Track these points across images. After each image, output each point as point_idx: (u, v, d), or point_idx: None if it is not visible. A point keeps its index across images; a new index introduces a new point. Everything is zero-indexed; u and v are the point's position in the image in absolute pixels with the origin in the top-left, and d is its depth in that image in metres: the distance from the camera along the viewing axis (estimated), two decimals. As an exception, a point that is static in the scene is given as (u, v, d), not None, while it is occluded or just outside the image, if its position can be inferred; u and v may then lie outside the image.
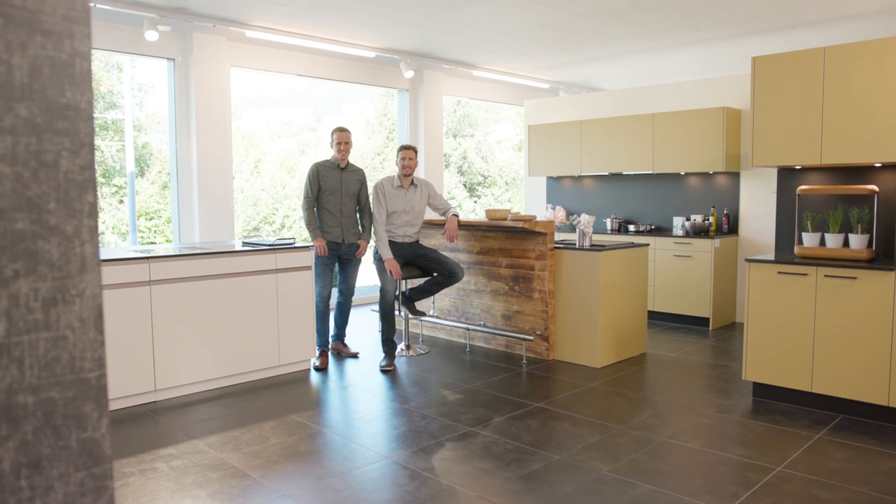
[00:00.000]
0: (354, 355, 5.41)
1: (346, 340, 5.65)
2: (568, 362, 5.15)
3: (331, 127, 5.29)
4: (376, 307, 5.35)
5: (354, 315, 6.54)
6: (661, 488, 3.00)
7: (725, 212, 6.70)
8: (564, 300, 5.19)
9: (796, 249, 4.29)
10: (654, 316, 6.71)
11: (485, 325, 5.64)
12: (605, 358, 5.06)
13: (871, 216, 4.18)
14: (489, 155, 14.63)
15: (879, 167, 4.21)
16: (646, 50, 7.28)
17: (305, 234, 5.20)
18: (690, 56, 7.57)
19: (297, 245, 4.91)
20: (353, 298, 5.55)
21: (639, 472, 3.18)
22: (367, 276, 5.62)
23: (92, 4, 5.14)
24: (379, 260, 5.06)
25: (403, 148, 5.12)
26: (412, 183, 5.14)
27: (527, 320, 5.38)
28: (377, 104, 13.48)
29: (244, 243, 5.00)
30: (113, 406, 4.11)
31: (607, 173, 7.37)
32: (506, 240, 5.50)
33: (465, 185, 14.45)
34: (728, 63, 7.87)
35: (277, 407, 4.19)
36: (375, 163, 13.02)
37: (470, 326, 5.65)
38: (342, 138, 5.10)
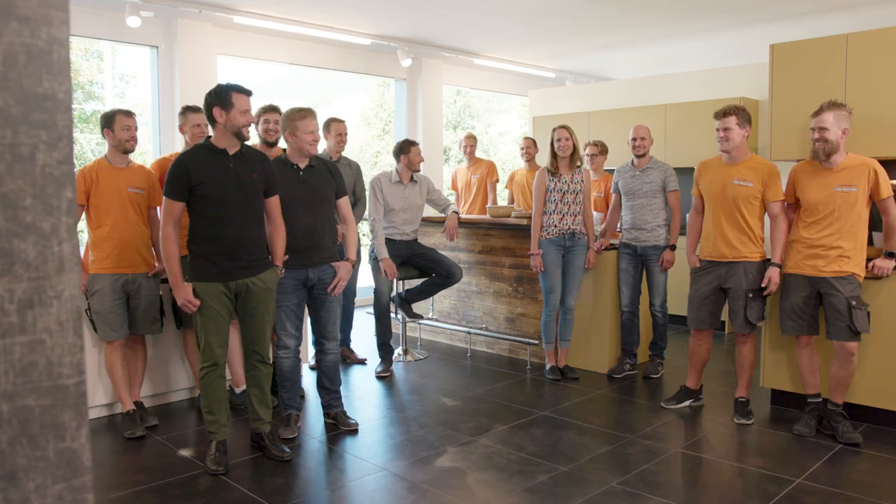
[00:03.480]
0: (362, 362, 5.40)
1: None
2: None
3: (323, 118, 5.20)
4: (371, 310, 5.34)
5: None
6: (674, 502, 3.00)
7: (742, 208, 6.68)
8: (571, 302, 5.18)
9: (817, 248, 4.27)
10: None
11: (487, 329, 5.64)
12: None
13: (896, 213, 4.16)
14: (491, 148, 14.61)
15: (905, 161, 4.20)
16: (658, 37, 7.28)
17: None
18: (705, 43, 7.57)
19: None
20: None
21: (650, 484, 3.18)
22: (363, 278, 5.61)
23: (70, -12, 5.14)
24: (374, 259, 5.06)
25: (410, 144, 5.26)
26: (411, 178, 5.14)
27: (531, 323, 5.38)
28: (373, 94, 13.47)
29: None
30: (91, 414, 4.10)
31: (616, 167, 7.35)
32: (509, 238, 5.50)
33: (465, 181, 14.41)
34: (745, 51, 7.86)
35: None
36: (369, 156, 13.01)
37: (471, 330, 5.66)
38: (340, 129, 5.03)
